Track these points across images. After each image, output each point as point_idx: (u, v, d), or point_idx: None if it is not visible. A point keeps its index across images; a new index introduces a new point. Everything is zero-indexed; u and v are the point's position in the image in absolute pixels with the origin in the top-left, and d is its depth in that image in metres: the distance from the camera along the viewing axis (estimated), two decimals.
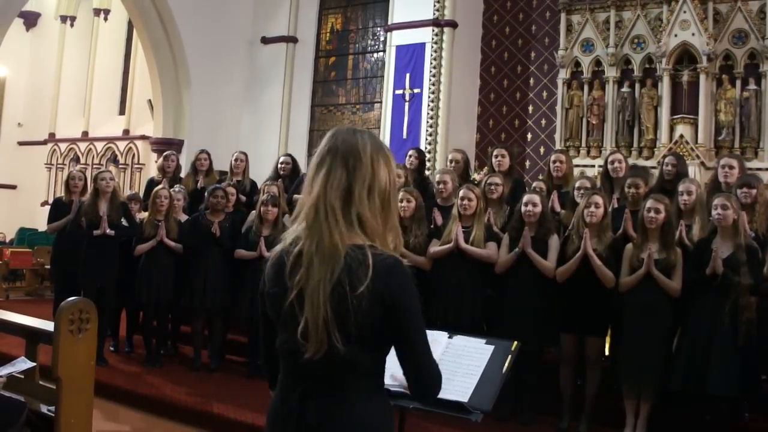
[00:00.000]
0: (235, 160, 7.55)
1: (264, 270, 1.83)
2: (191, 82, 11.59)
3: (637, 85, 9.30)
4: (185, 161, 9.06)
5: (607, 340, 5.32)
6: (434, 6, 10.22)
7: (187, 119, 11.66)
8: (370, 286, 1.62)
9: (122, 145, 13.80)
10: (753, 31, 8.67)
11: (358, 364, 1.68)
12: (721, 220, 4.56)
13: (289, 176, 7.37)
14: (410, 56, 10.35)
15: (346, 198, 1.70)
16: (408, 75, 10.34)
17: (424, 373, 1.74)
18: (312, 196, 1.72)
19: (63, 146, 14.76)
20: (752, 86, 8.65)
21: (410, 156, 6.90)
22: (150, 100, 12.58)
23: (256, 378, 6.07)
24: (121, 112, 14.39)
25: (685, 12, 8.78)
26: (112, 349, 6.91)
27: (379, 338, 1.68)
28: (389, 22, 10.80)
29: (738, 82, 8.76)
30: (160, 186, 6.74)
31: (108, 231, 6.28)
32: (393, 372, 1.80)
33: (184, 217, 6.80)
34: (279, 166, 7.48)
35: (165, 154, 7.98)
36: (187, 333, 6.93)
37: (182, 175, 7.99)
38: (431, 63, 10.18)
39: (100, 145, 14.17)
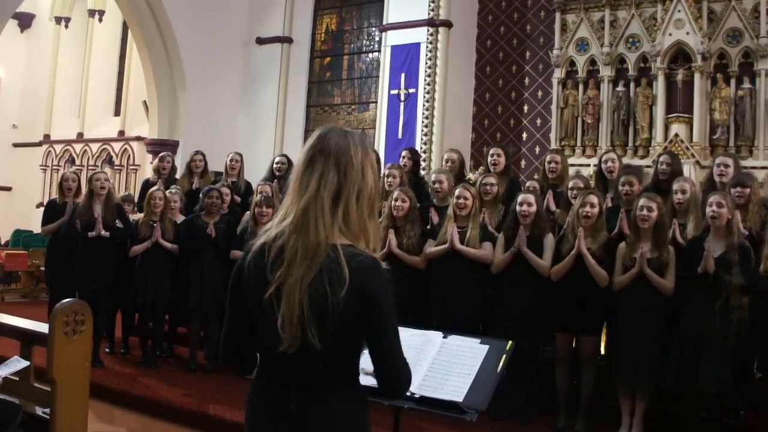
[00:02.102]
0: (230, 160, 7.55)
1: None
2: (186, 83, 11.58)
3: (632, 84, 9.33)
4: (180, 162, 9.04)
5: (603, 339, 5.33)
6: (429, 6, 10.23)
7: (182, 120, 11.66)
8: (349, 287, 1.67)
9: (117, 146, 13.79)
10: (747, 30, 8.69)
11: (334, 360, 1.73)
12: (716, 218, 4.56)
13: (284, 177, 7.34)
14: (405, 56, 10.36)
15: (335, 200, 1.74)
16: (403, 75, 10.36)
17: (392, 369, 1.78)
18: (305, 196, 1.74)
19: (58, 148, 14.74)
20: (747, 85, 8.68)
21: (403, 157, 6.90)
22: (145, 101, 12.57)
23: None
24: (116, 113, 14.38)
25: (679, 11, 8.80)
26: (107, 350, 6.89)
27: (355, 336, 1.74)
28: (384, 23, 10.81)
29: (732, 81, 8.79)
30: (155, 187, 6.72)
31: (103, 232, 6.25)
32: (363, 366, 1.84)
33: (181, 218, 6.79)
34: (274, 166, 7.47)
35: (160, 155, 7.95)
36: (183, 334, 6.92)
37: (177, 176, 7.97)
38: (426, 63, 10.20)
39: (95, 147, 14.16)
